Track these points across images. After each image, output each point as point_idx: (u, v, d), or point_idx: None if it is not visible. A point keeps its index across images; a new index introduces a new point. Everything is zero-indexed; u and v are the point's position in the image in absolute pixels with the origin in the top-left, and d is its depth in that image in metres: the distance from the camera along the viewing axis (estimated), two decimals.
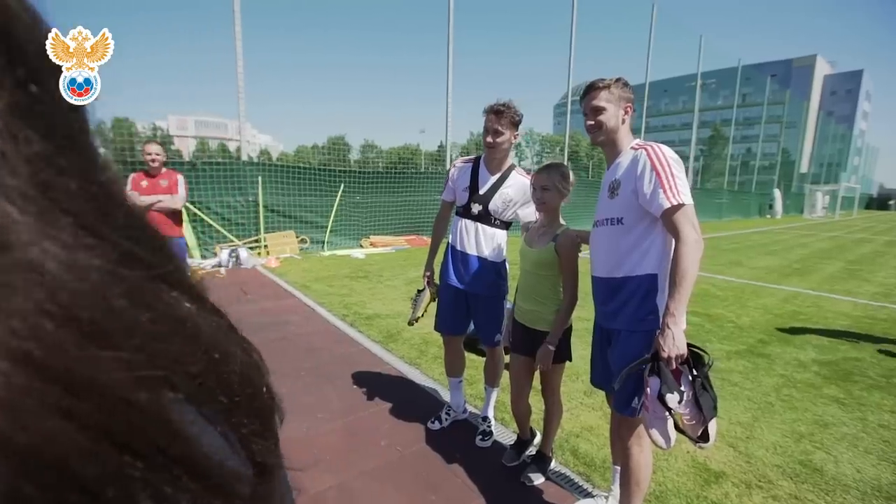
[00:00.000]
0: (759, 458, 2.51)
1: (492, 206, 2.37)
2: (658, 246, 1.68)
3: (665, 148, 1.65)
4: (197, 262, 7.82)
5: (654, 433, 1.54)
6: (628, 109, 1.75)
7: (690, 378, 1.52)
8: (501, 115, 2.25)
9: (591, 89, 1.75)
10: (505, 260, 2.50)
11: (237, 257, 7.82)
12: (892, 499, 2.21)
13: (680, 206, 1.56)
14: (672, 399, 1.46)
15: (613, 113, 1.73)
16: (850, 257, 11.26)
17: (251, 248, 8.57)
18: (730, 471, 2.38)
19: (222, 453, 0.28)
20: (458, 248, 2.46)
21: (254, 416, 0.32)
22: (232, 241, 8.51)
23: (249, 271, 7.53)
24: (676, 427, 1.55)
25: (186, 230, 8.01)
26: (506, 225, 2.47)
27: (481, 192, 2.39)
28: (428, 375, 3.51)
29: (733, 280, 7.70)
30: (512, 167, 2.43)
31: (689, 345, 1.53)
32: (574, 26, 14.71)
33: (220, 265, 7.68)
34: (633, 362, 1.60)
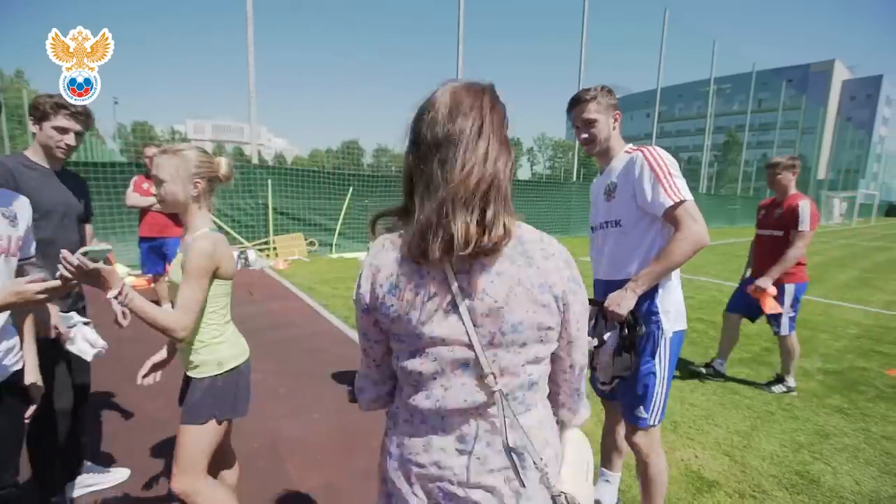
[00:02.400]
0: (754, 467, 2.47)
1: None
2: (657, 247, 1.70)
3: (660, 149, 1.69)
4: None
5: None
6: (617, 116, 1.79)
7: (620, 333, 1.68)
8: None
9: (578, 102, 1.77)
10: None
11: (246, 259, 7.94)
12: None
13: (681, 202, 1.60)
14: (590, 342, 1.68)
15: (604, 123, 1.76)
16: (864, 265, 11.00)
17: (260, 251, 8.69)
18: (723, 480, 2.35)
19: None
20: None
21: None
22: (241, 242, 8.64)
23: (257, 273, 7.63)
24: None
25: None
26: None
27: None
28: None
29: None
30: None
31: (632, 313, 1.66)
32: (585, 31, 14.70)
33: None
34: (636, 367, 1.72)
